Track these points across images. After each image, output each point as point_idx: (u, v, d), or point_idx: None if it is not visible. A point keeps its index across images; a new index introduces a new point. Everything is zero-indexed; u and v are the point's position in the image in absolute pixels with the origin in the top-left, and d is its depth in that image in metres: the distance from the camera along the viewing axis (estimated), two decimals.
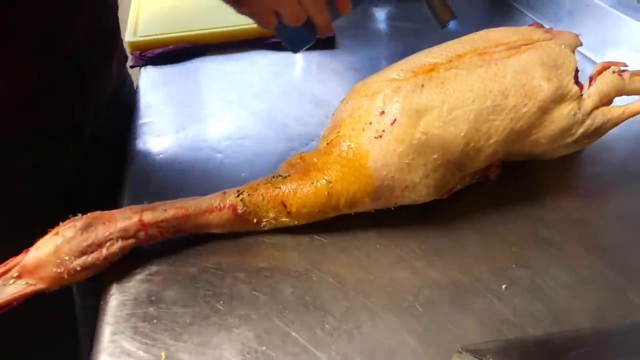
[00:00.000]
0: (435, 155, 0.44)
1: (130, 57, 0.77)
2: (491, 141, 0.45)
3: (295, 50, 0.58)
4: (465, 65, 0.46)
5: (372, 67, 0.78)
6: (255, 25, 0.81)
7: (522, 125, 0.46)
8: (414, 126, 0.44)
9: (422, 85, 0.45)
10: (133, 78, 0.75)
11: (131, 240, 0.43)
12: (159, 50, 0.77)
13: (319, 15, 0.51)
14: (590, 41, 0.80)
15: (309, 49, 0.79)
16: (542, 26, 0.64)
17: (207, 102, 0.69)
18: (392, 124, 0.44)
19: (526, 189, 0.53)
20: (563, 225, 0.49)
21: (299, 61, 0.79)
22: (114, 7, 0.60)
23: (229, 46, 0.80)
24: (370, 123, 0.44)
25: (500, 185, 0.53)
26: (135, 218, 0.43)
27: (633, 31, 0.72)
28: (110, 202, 0.50)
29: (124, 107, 0.66)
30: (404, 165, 0.44)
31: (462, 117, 0.44)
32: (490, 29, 0.52)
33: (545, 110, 0.46)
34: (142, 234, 0.44)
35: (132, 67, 0.76)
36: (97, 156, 0.59)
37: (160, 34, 0.79)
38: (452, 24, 0.53)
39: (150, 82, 0.73)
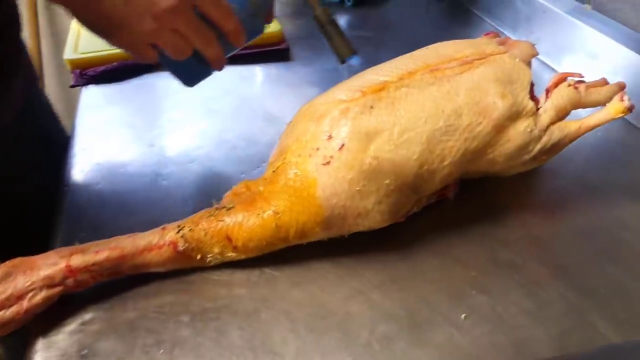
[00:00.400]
0: (388, 181, 0.41)
1: (71, 75, 0.73)
2: (445, 163, 0.43)
3: (188, 84, 0.52)
4: (416, 84, 0.44)
5: (329, 80, 0.76)
6: None
7: (477, 145, 0.43)
8: (364, 151, 0.41)
9: (371, 107, 0.42)
10: (75, 99, 0.70)
11: (57, 289, 0.39)
12: (102, 68, 0.72)
13: (207, 48, 0.46)
14: (547, 48, 0.79)
15: (256, 61, 0.76)
16: (498, 35, 0.62)
17: (152, 123, 0.65)
18: (340, 149, 0.41)
19: (485, 207, 0.51)
20: (523, 244, 0.47)
21: (251, 75, 0.76)
22: (13, 25, 0.55)
23: None
24: (318, 149, 0.42)
25: (459, 204, 0.51)
26: (62, 264, 0.39)
27: (588, 37, 0.72)
28: (40, 243, 0.46)
29: (39, 132, 0.61)
30: (354, 193, 0.41)
31: (414, 139, 0.42)
32: (443, 42, 0.50)
33: (500, 128, 0.44)
34: (70, 280, 0.40)
35: (72, 87, 0.71)
36: (12, 189, 0.54)
37: (103, 50, 0.74)
38: (353, 59, 0.50)
39: (90, 103, 0.68)
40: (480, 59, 0.47)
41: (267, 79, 0.76)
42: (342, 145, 0.41)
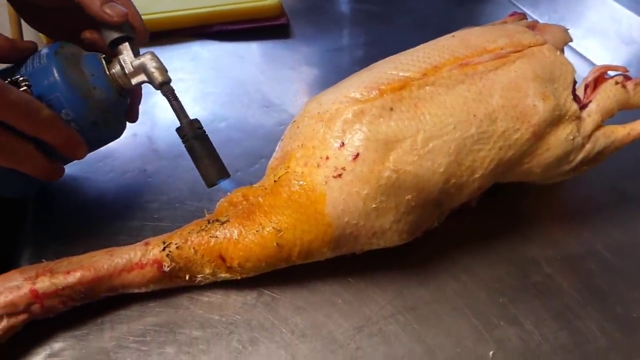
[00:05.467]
0: (409, 196, 0.35)
1: None
2: (476, 176, 0.37)
3: (9, 197, 0.42)
4: (443, 81, 0.37)
5: (332, 62, 0.69)
6: (196, 11, 0.70)
7: (513, 155, 0.37)
8: (382, 162, 0.35)
9: (391, 109, 0.36)
10: None
11: (21, 317, 0.34)
12: None
13: (21, 166, 0.36)
14: (572, 29, 0.72)
15: (252, 38, 0.69)
16: (525, 17, 0.55)
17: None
18: (355, 159, 0.35)
19: (510, 218, 0.46)
20: (555, 264, 0.42)
21: (247, 54, 0.68)
22: None
23: (163, 36, 0.68)
24: (327, 158, 0.35)
25: (481, 214, 0.45)
26: (26, 288, 0.33)
27: (621, 18, 0.65)
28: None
29: None
30: (370, 210, 0.35)
31: (440, 149, 0.35)
32: (470, 29, 0.43)
33: (540, 135, 0.38)
34: (36, 307, 0.34)
35: None
36: None
37: None
38: (223, 184, 0.40)
39: None
40: (517, 51, 0.40)
41: (264, 59, 0.68)
42: (357, 155, 0.35)
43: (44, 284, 0.34)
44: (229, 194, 0.40)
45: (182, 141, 0.40)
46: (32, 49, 0.39)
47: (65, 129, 0.37)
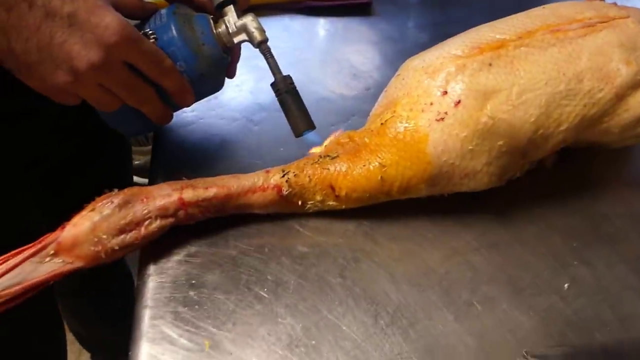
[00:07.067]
0: (501, 142, 0.41)
1: None
2: (561, 128, 0.41)
3: (126, 135, 0.47)
4: (536, 43, 0.42)
5: (411, 38, 0.74)
6: None
7: (596, 112, 0.42)
8: (480, 109, 0.40)
9: (490, 64, 0.41)
10: None
11: (170, 219, 0.41)
12: None
13: (143, 106, 0.42)
14: None
15: (337, 14, 0.75)
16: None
17: (239, 69, 0.65)
18: (456, 105, 0.40)
19: (581, 178, 0.50)
20: (624, 220, 0.46)
21: (333, 29, 0.74)
22: None
23: (258, 9, 0.75)
24: (431, 104, 0.41)
25: (554, 173, 0.50)
26: (175, 196, 0.40)
27: None
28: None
29: None
30: (466, 152, 0.40)
31: (532, 101, 0.40)
32: (559, 3, 0.48)
33: (621, 96, 0.42)
34: (181, 213, 0.41)
35: None
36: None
37: None
38: (310, 135, 0.44)
39: None
40: (603, 22, 0.44)
41: (348, 33, 0.74)
42: (458, 101, 0.40)
43: (188, 194, 0.41)
44: (335, 134, 0.46)
45: (276, 94, 0.44)
46: (154, 9, 0.45)
47: (180, 77, 0.43)
